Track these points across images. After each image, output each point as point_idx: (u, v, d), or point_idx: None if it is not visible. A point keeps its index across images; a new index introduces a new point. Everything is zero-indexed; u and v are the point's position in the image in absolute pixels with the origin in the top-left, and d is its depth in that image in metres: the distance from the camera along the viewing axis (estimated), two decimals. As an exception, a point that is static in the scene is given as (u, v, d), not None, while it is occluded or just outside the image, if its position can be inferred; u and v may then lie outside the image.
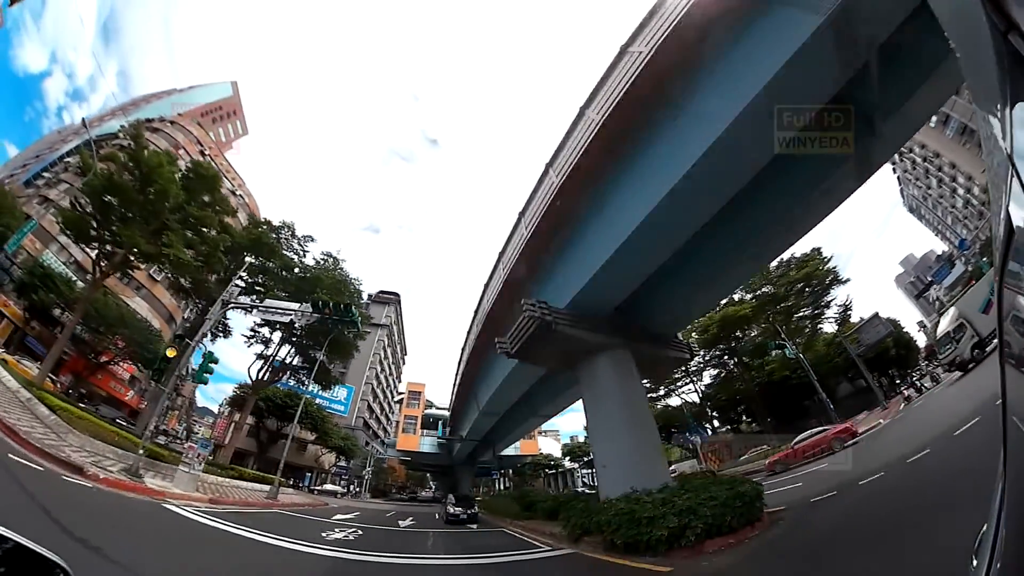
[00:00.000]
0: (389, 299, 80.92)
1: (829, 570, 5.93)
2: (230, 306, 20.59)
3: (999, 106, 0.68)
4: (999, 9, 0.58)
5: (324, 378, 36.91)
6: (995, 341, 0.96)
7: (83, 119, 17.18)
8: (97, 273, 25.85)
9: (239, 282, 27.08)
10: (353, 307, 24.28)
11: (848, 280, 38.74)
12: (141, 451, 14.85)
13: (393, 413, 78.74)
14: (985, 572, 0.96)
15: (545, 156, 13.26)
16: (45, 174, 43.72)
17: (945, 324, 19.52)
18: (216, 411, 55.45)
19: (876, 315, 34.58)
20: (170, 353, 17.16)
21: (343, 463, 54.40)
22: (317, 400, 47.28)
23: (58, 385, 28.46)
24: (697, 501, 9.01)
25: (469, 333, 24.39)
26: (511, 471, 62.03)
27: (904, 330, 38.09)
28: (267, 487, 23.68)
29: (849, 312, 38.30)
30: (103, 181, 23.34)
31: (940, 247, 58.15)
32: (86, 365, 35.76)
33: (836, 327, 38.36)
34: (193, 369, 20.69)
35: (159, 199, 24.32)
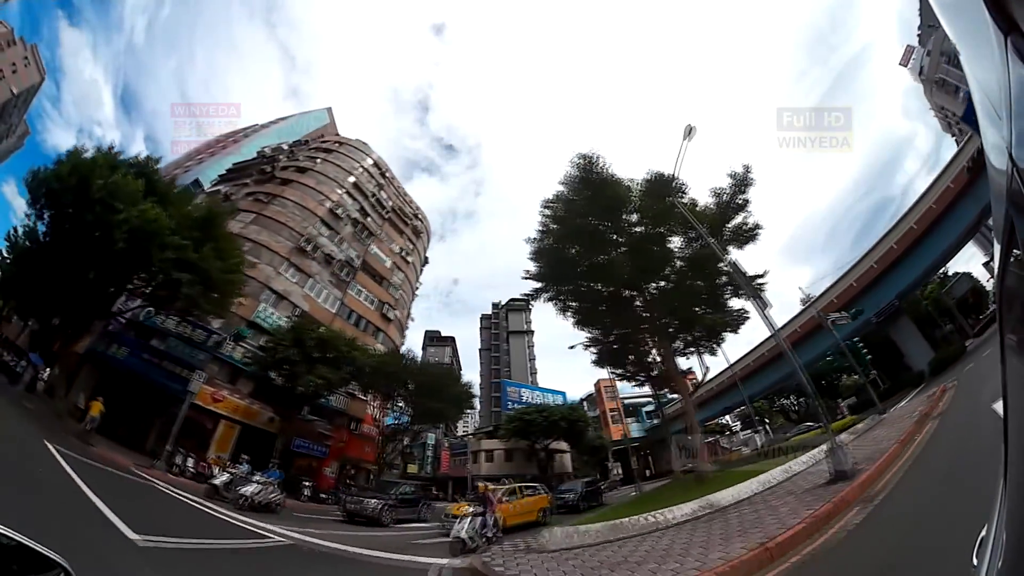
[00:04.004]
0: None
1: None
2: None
3: (1001, 106, 0.71)
4: (1001, 10, 0.60)
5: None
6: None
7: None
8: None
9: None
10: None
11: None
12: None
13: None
14: (985, 574, 0.98)
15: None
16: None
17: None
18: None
19: (959, 273, 51.72)
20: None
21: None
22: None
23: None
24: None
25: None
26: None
27: (975, 279, 53.95)
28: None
29: (947, 275, 54.34)
30: None
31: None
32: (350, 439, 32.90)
33: (932, 287, 54.95)
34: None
35: None
